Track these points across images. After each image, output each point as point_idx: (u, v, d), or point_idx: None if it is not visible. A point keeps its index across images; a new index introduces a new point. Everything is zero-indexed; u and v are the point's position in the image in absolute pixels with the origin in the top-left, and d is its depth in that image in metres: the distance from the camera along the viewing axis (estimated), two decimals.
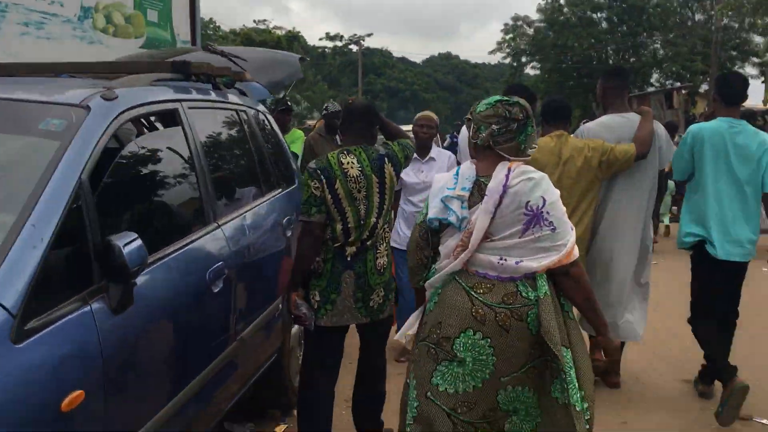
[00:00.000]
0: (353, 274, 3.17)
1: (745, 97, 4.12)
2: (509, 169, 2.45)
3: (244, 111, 3.92)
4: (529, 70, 41.78)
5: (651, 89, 32.30)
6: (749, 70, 40.21)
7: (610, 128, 4.18)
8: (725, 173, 3.99)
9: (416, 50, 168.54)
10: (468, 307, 2.45)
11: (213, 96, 3.55)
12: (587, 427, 2.41)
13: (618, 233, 4.22)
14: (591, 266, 4.17)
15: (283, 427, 3.86)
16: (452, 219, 2.49)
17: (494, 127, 2.49)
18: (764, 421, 4.03)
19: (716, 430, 3.92)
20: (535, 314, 2.43)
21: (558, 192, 2.50)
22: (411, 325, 2.75)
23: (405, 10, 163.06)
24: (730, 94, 4.06)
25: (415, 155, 4.37)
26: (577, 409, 2.38)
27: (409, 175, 4.79)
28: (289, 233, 3.86)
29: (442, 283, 2.56)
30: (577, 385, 2.39)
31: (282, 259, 3.77)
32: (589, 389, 2.46)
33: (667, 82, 35.51)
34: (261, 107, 4.49)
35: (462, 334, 2.45)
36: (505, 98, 2.55)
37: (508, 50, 39.05)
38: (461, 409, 2.47)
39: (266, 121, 4.40)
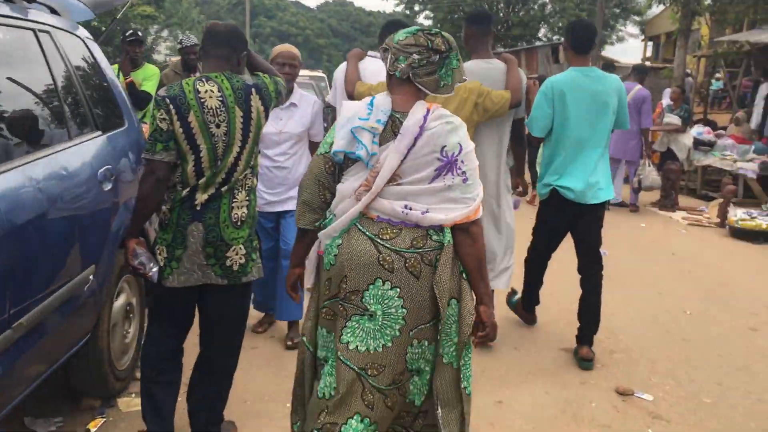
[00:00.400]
0: (202, 226, 2.65)
1: (594, 44, 4.13)
2: (428, 110, 2.28)
3: (48, 33, 3.10)
4: (423, 20, 41.27)
5: (539, 43, 32.59)
6: (630, 29, 41.69)
7: (475, 74, 3.94)
8: (586, 121, 3.99)
9: None
10: (375, 256, 2.25)
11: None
12: (465, 386, 2.36)
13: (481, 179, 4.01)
14: None
15: (99, 420, 3.16)
16: (361, 153, 2.25)
17: (415, 57, 2.26)
18: (645, 396, 3.71)
19: (596, 407, 3.57)
20: None
21: (473, 144, 2.35)
22: (309, 278, 2.55)
23: None
24: (581, 43, 4.04)
25: None
26: (454, 366, 2.33)
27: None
28: (108, 186, 3.11)
29: (342, 232, 2.31)
30: (456, 341, 2.31)
31: (97, 220, 3.03)
32: (461, 346, 2.34)
33: (554, 37, 36.00)
34: (82, 31, 3.65)
35: (371, 286, 2.26)
36: (427, 28, 2.33)
37: None
38: (371, 371, 2.27)
39: (87, 49, 3.57)
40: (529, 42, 33.84)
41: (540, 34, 38.48)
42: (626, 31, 41.47)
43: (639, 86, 9.20)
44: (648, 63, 27.65)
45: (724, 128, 15.63)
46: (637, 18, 40.86)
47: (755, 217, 8.10)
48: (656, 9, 39.49)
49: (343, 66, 4.37)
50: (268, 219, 4.16)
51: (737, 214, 8.24)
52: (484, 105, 3.86)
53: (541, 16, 37.63)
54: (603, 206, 4.15)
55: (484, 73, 3.97)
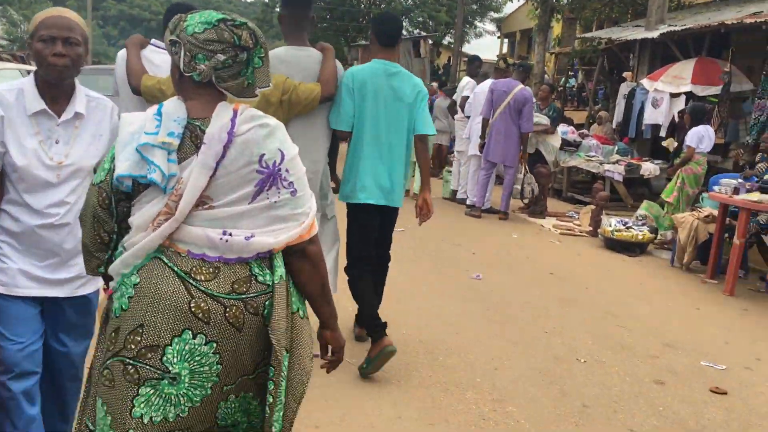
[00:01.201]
0: None
1: (399, 38, 3.90)
2: (235, 112, 1.81)
3: None
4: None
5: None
6: (488, 26, 42.20)
7: (286, 62, 3.60)
8: (383, 117, 3.78)
9: None
10: (185, 300, 1.75)
11: None
12: None
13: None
14: None
15: None
16: (155, 177, 1.76)
17: (219, 57, 1.79)
18: None
19: None
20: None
21: (296, 147, 1.91)
22: None
23: None
24: (386, 36, 3.83)
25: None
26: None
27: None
28: None
29: (137, 267, 1.79)
30: (283, 401, 1.83)
31: None
32: (292, 409, 1.87)
33: (415, 31, 35.60)
34: None
35: (176, 340, 1.74)
36: (229, 17, 1.80)
37: None
38: None
39: None
40: None
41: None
42: (483, 28, 41.70)
43: (521, 86, 8.41)
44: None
45: (581, 125, 15.53)
46: (494, 15, 41.50)
47: (630, 228, 7.49)
48: (512, 6, 40.44)
49: (122, 54, 3.41)
50: (31, 305, 2.39)
51: (611, 224, 7.61)
52: (291, 100, 3.53)
53: (402, 10, 37.12)
54: (397, 210, 3.98)
55: (296, 61, 3.62)
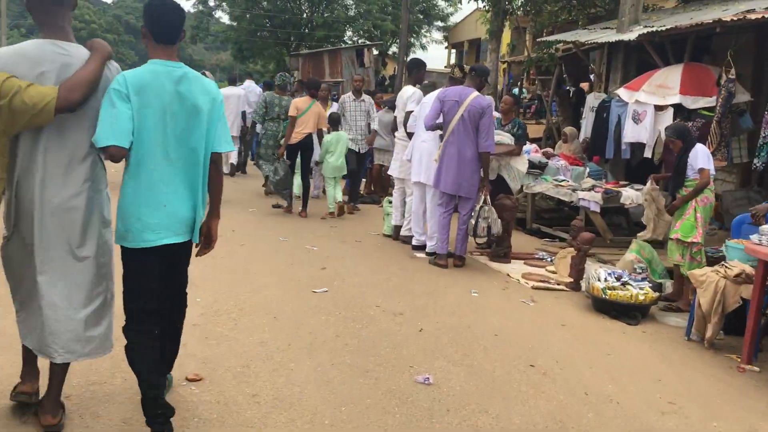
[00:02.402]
0: None
1: (182, 33, 3.08)
2: None
3: None
4: (222, 15, 37.24)
5: (343, 46, 29.98)
6: (434, 35, 40.57)
7: (28, 58, 2.85)
8: (172, 131, 2.97)
9: None
10: None
11: None
12: None
13: (38, 213, 2.91)
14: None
15: None
16: None
17: None
18: None
19: None
20: None
21: None
22: None
23: None
24: (164, 29, 3.00)
25: None
26: None
27: None
28: None
29: None
30: None
31: None
32: None
33: (360, 41, 33.67)
34: None
35: None
36: None
37: None
38: None
39: None
40: (334, 44, 31.10)
41: (346, 37, 36.10)
42: (430, 38, 40.03)
43: (476, 93, 6.49)
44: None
45: (538, 141, 13.76)
46: (440, 24, 39.89)
47: (627, 284, 5.60)
48: (460, 16, 38.89)
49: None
50: None
51: (600, 277, 5.70)
52: (12, 106, 2.70)
53: (345, 18, 35.18)
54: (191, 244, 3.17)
55: (44, 58, 2.86)
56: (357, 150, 10.00)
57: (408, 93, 7.67)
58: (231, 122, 11.98)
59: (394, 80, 26.35)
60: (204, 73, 13.79)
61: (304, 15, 35.48)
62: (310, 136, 8.80)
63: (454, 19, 38.65)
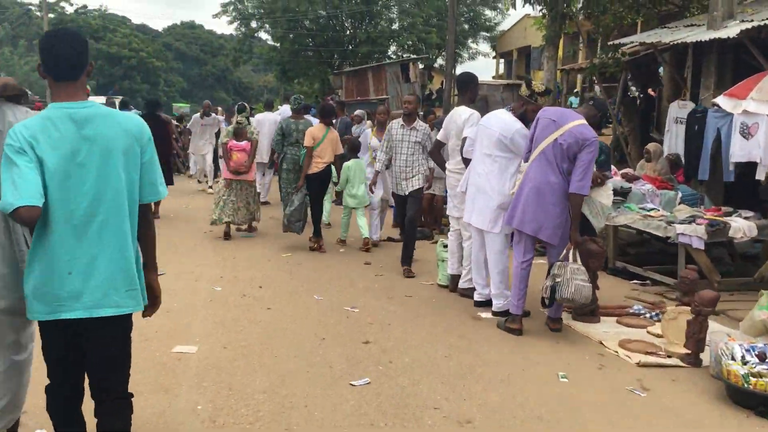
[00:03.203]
0: None
1: (84, 65, 2.60)
2: None
3: None
4: (264, 35, 36.52)
5: (387, 61, 28.79)
6: (481, 46, 39.05)
7: None
8: (77, 186, 2.52)
9: (158, 18, 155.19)
10: None
11: None
12: None
13: None
14: None
15: None
16: None
17: None
18: None
19: None
20: None
21: None
22: None
23: None
24: (60, 65, 2.56)
25: None
26: None
27: None
28: None
29: None
30: None
31: None
32: None
33: (404, 55, 32.47)
34: None
35: None
36: None
37: (234, 14, 33.25)
38: None
39: None
40: (379, 60, 29.94)
41: (390, 52, 34.94)
42: (477, 49, 38.55)
43: (582, 120, 5.14)
44: (505, 81, 24.56)
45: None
46: (486, 34, 38.39)
47: None
48: (507, 24, 37.35)
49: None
50: None
51: (736, 355, 4.19)
52: None
53: (389, 33, 34.03)
54: (127, 318, 2.67)
55: None
56: (403, 193, 7.32)
57: (464, 116, 6.26)
58: (265, 149, 10.96)
59: (441, 94, 24.99)
60: (126, 105, 12.31)
61: (347, 32, 34.49)
62: (328, 166, 8.15)
63: (501, 28, 37.19)
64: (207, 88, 66.32)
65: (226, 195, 8.60)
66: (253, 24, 34.03)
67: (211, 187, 13.23)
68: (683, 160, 8.76)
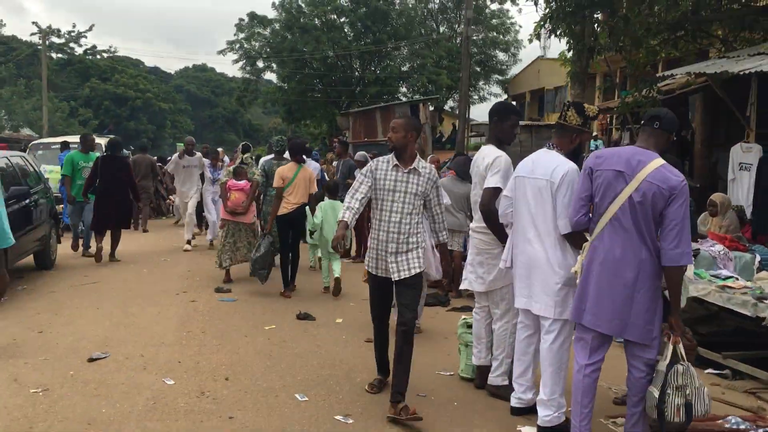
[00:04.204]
0: None
1: None
2: None
3: None
4: (271, 76, 35.51)
5: (397, 102, 27.54)
6: (494, 88, 37.94)
7: None
8: None
9: (172, 62, 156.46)
10: None
11: None
12: None
13: None
14: None
15: None
16: None
17: None
18: None
19: None
20: None
21: None
22: None
23: (160, 19, 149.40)
24: None
25: None
26: None
27: None
28: None
29: None
30: None
31: None
32: None
33: (414, 97, 31.29)
34: None
35: None
36: None
37: (241, 52, 32.29)
38: None
39: None
40: (388, 101, 28.72)
41: (399, 94, 33.81)
42: (489, 91, 37.45)
43: (659, 160, 3.62)
44: (523, 121, 23.16)
45: None
46: (498, 77, 37.32)
47: None
48: (518, 68, 36.21)
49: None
50: None
51: None
52: None
53: (398, 74, 32.93)
54: None
55: None
56: (387, 276, 4.68)
57: (489, 158, 4.67)
58: None
59: (454, 138, 23.64)
60: (114, 146, 10.10)
61: (356, 72, 33.44)
62: (301, 207, 7.58)
63: (513, 71, 36.10)
64: (217, 129, 65.59)
65: (224, 237, 8.27)
66: (260, 64, 33.06)
67: (189, 242, 10.85)
68: (747, 214, 7.22)
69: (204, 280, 8.44)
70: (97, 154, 9.88)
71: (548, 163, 4.07)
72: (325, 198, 7.99)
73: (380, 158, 4.57)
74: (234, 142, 53.91)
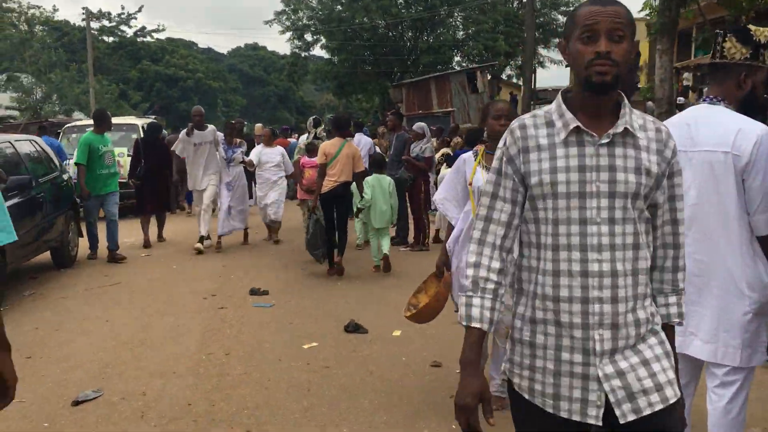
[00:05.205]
0: None
1: None
2: None
3: None
4: (321, 52, 34.23)
5: (452, 71, 25.87)
6: (553, 53, 35.72)
7: None
8: None
9: (225, 42, 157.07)
10: None
11: None
12: None
13: None
14: None
15: None
16: None
17: None
18: None
19: None
20: None
21: None
22: None
23: (214, 4, 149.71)
24: None
25: None
26: None
27: None
28: None
29: None
30: None
31: None
32: None
33: (470, 65, 29.52)
34: None
35: None
36: None
37: (288, 23, 31.05)
38: None
39: None
40: (442, 71, 27.07)
41: (454, 63, 32.04)
42: (549, 57, 35.27)
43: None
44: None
45: None
46: (556, 41, 35.06)
47: None
48: None
49: None
50: None
51: None
52: None
53: (453, 42, 31.15)
54: None
55: None
56: None
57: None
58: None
59: (515, 109, 21.94)
60: (154, 130, 9.48)
61: (408, 42, 31.81)
62: (345, 184, 7.14)
63: None
64: (270, 108, 64.96)
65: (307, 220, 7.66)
66: (308, 37, 31.77)
67: (203, 240, 8.70)
68: None
69: (239, 278, 7.26)
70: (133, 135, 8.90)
71: (720, 126, 2.59)
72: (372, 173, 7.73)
73: (524, 118, 1.87)
74: (286, 120, 53.05)
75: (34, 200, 6.75)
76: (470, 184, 3.64)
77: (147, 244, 9.12)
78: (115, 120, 15.99)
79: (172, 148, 9.19)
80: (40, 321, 5.66)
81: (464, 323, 1.77)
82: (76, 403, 3.89)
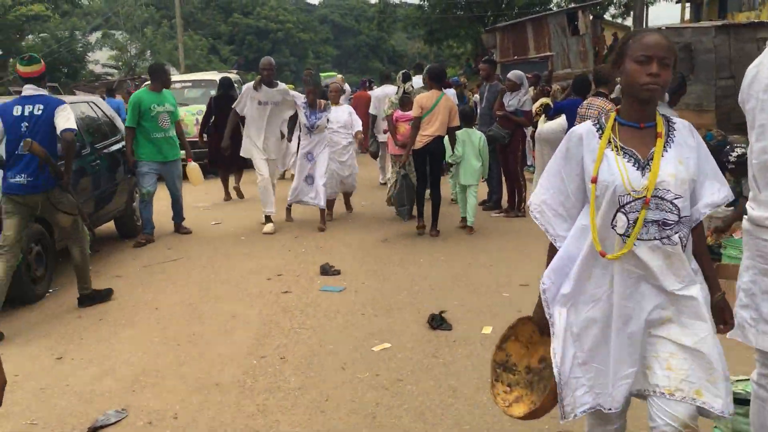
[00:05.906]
0: None
1: None
2: None
3: None
4: None
5: (551, 12, 23.90)
6: None
7: None
8: None
9: None
10: None
11: None
12: None
13: None
14: None
15: None
16: None
17: None
18: None
19: None
20: None
21: None
22: None
23: None
24: None
25: None
26: None
27: None
28: None
29: None
30: None
31: None
32: None
33: (570, 5, 27.28)
34: None
35: None
36: None
37: None
38: None
39: None
40: (539, 13, 25.10)
41: (552, 3, 29.81)
42: None
43: None
44: (719, 21, 18.69)
45: None
46: None
47: None
48: None
49: None
50: None
51: None
52: None
53: None
54: None
55: None
56: None
57: None
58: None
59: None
60: (226, 86, 8.75)
61: None
62: (439, 139, 6.80)
63: None
64: (361, 58, 64.05)
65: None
66: None
67: (269, 219, 7.41)
68: None
69: (310, 251, 6.50)
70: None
71: None
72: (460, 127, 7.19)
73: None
74: (378, 69, 52.00)
75: (85, 169, 6.17)
76: (594, 180, 2.13)
77: (228, 197, 9.55)
78: (195, 76, 15.48)
79: (233, 105, 7.57)
80: (85, 309, 5.08)
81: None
82: (93, 430, 3.21)
